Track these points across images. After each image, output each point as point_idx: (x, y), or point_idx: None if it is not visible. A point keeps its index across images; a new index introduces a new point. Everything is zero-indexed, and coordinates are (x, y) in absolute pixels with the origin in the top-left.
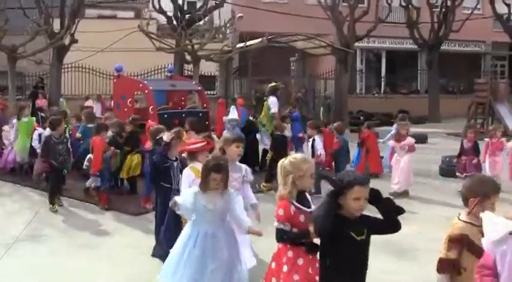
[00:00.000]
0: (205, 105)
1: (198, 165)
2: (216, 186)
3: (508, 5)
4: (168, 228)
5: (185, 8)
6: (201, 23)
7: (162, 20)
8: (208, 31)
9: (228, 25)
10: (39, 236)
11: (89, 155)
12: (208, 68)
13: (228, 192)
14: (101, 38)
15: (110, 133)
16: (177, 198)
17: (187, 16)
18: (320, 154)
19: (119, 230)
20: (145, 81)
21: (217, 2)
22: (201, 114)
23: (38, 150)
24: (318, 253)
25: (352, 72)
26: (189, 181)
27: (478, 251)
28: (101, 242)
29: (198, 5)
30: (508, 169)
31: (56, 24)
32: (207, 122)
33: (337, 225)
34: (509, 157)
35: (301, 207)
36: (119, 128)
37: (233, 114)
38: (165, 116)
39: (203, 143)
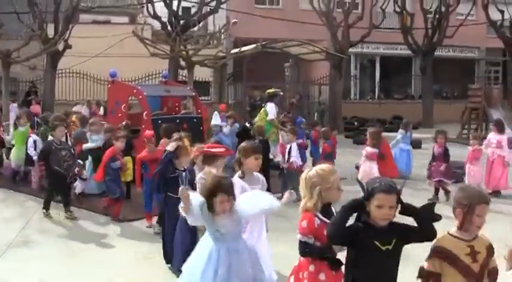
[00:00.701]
0: (199, 110)
1: (213, 171)
2: (223, 210)
3: (501, 11)
4: (183, 242)
5: (180, 13)
6: (196, 28)
7: (157, 25)
8: (202, 37)
9: (222, 31)
10: (32, 242)
11: (78, 160)
12: (203, 73)
13: (234, 209)
14: (95, 43)
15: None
16: (192, 197)
17: (181, 22)
18: (293, 161)
19: (114, 236)
20: (140, 87)
21: (212, 8)
22: (195, 120)
23: (35, 158)
24: (343, 268)
25: (346, 77)
26: None
27: (462, 267)
28: (96, 248)
29: (193, 10)
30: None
31: (50, 30)
32: (201, 128)
33: (362, 234)
34: (487, 165)
35: (326, 220)
36: (111, 133)
37: (216, 120)
38: (159, 121)
39: (224, 148)
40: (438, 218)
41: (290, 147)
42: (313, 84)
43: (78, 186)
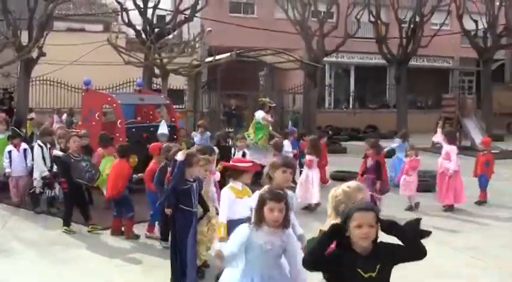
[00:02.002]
0: (173, 119)
1: (239, 185)
2: (274, 222)
3: (475, 21)
4: (194, 266)
5: (154, 21)
6: (170, 37)
7: (131, 33)
8: (177, 45)
9: (197, 39)
10: (7, 251)
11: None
12: (177, 82)
13: (287, 232)
14: (70, 51)
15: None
16: (223, 250)
17: (156, 30)
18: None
19: (91, 244)
20: (114, 95)
21: (187, 16)
22: (169, 128)
23: (7, 170)
24: None
25: (321, 87)
26: (229, 201)
27: None
28: (72, 256)
29: (168, 19)
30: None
31: (24, 37)
32: (175, 136)
33: (342, 261)
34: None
35: None
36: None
37: (163, 129)
38: (133, 129)
39: (252, 163)
40: (426, 234)
41: (243, 153)
42: (287, 93)
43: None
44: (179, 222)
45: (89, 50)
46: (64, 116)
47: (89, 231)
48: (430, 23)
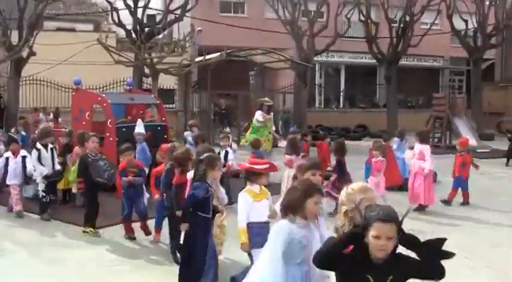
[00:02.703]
0: (163, 118)
1: (256, 188)
2: (315, 215)
3: (465, 21)
4: (212, 264)
5: (145, 21)
6: (161, 36)
7: (122, 33)
8: (167, 45)
9: (187, 39)
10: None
11: None
12: (167, 81)
13: (312, 225)
14: (60, 50)
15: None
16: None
17: (146, 29)
18: (232, 164)
19: (78, 244)
20: (104, 95)
21: (177, 16)
22: (159, 128)
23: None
24: None
25: (311, 86)
26: (247, 206)
27: None
28: (62, 257)
29: (158, 18)
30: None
31: (14, 37)
32: (165, 136)
33: (355, 264)
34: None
35: None
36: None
37: (140, 128)
38: (123, 129)
39: (268, 165)
40: (450, 255)
41: (226, 152)
42: (277, 93)
43: (28, 190)
44: (197, 229)
45: (79, 50)
46: (51, 116)
47: (84, 232)
48: (420, 22)
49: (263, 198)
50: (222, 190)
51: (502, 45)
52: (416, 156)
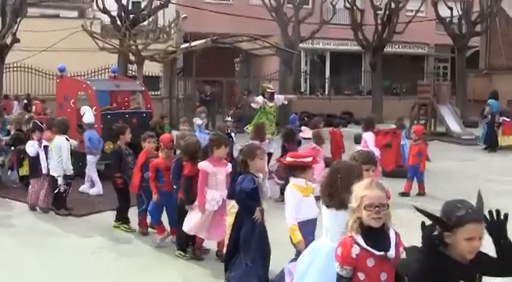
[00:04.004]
0: (148, 105)
1: (302, 182)
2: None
3: (450, 8)
4: (262, 255)
5: (129, 8)
6: (146, 23)
7: (106, 19)
8: (152, 31)
9: (172, 25)
10: None
11: None
12: (153, 68)
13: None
14: (44, 37)
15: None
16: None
17: (131, 16)
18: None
19: (67, 231)
20: (89, 82)
21: (162, 2)
22: (144, 115)
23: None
24: None
25: (296, 73)
26: (296, 202)
27: None
28: (49, 243)
29: (143, 5)
30: None
31: None
32: (150, 123)
33: (446, 274)
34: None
35: (369, 248)
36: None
37: (90, 117)
38: (109, 116)
39: (312, 157)
40: None
41: None
42: (263, 80)
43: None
44: (249, 221)
45: (63, 36)
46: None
47: (115, 227)
48: (405, 9)
49: (310, 193)
50: (267, 184)
51: (487, 32)
52: (362, 144)
